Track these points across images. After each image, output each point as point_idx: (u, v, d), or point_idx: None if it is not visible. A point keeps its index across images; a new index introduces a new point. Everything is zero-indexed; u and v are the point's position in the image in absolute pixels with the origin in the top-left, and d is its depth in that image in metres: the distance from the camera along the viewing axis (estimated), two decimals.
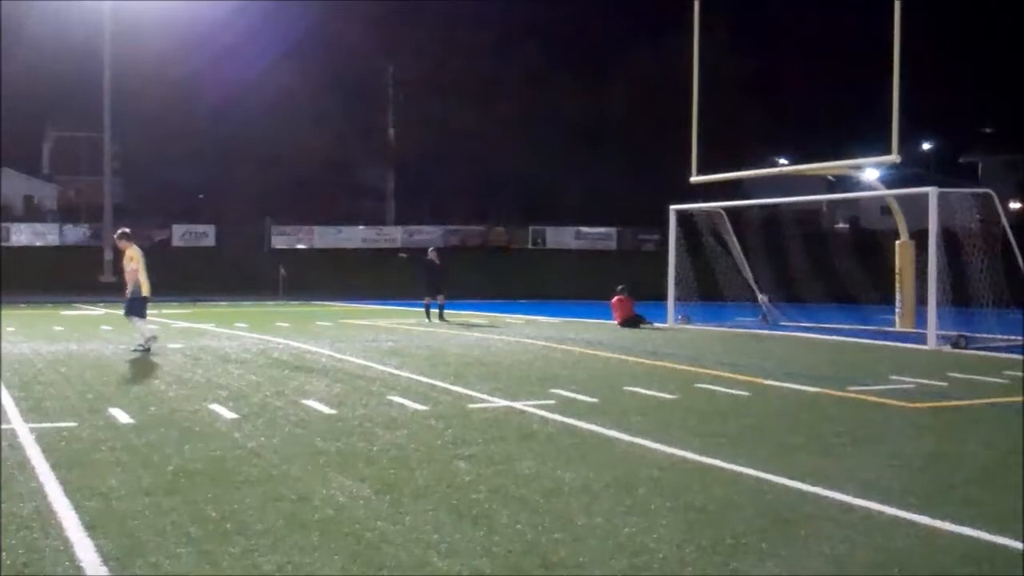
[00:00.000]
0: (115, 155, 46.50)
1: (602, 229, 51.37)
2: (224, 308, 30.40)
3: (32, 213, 52.77)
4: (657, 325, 22.05)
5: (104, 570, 4.68)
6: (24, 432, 8.12)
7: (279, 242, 48.77)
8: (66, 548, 5.00)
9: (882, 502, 5.94)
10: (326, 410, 9.34)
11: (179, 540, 5.16)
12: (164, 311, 27.60)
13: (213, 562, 4.82)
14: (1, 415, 8.94)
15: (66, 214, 51.77)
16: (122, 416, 8.90)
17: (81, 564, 4.76)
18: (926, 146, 59.38)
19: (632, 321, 22.33)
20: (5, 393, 10.26)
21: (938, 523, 5.53)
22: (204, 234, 48.78)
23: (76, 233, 48.14)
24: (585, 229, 51.23)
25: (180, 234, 48.46)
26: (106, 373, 12.19)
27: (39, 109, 52.79)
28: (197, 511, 5.70)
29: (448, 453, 7.41)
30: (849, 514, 5.75)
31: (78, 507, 5.75)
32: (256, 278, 40.46)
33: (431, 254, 24.10)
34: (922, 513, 5.71)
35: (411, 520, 5.54)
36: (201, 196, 54.85)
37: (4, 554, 4.88)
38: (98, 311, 27.81)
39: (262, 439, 7.89)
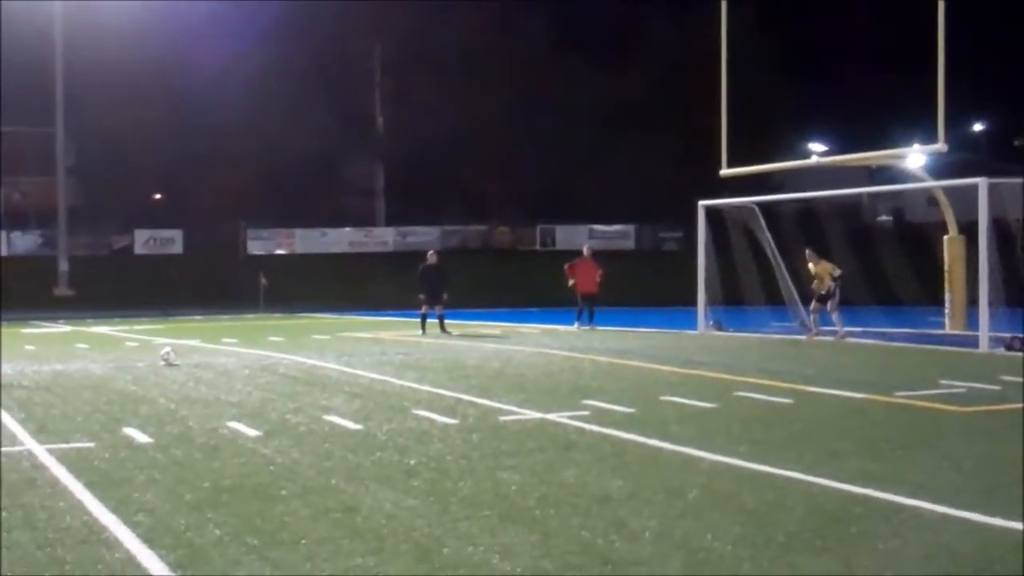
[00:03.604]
0: (68, 152, 47.03)
1: (619, 227, 51.38)
2: (201, 322, 31.22)
3: None
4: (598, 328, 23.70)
5: None
6: (42, 453, 8.92)
7: (256, 247, 49.36)
8: (131, 560, 5.79)
9: (932, 501, 6.77)
10: (351, 425, 10.16)
11: (239, 549, 5.96)
12: (135, 327, 28.43)
13: (277, 567, 5.62)
14: (5, 436, 9.72)
15: (12, 219, 52.15)
16: (138, 435, 9.71)
17: (153, 575, 5.55)
18: (977, 127, 60.25)
19: (590, 300, 24.41)
20: (4, 414, 11.05)
21: (988, 519, 6.36)
22: (171, 240, 49.39)
23: (25, 241, 48.68)
24: (600, 227, 51.15)
25: (143, 240, 49.10)
26: (104, 392, 13.00)
27: None
28: (247, 523, 6.50)
29: (488, 464, 8.23)
30: (900, 513, 6.59)
31: (128, 522, 6.55)
32: (231, 289, 41.18)
33: (430, 257, 24.60)
34: (972, 510, 6.54)
35: (466, 526, 6.36)
36: (157, 196, 55.25)
37: (72, 567, 5.67)
38: (63, 328, 28.59)
39: (293, 455, 8.70)
